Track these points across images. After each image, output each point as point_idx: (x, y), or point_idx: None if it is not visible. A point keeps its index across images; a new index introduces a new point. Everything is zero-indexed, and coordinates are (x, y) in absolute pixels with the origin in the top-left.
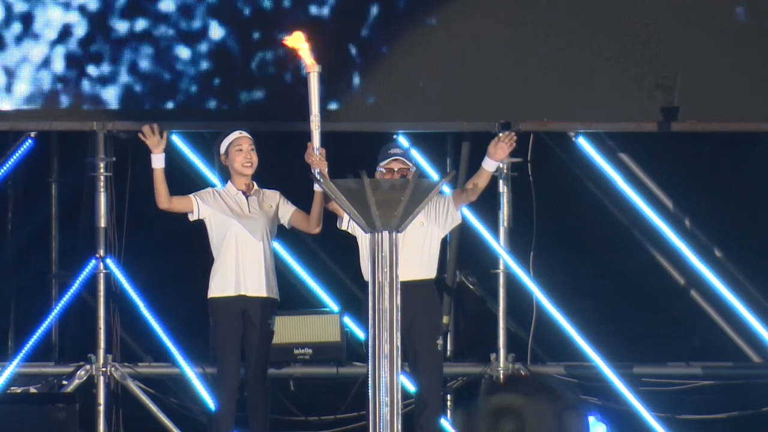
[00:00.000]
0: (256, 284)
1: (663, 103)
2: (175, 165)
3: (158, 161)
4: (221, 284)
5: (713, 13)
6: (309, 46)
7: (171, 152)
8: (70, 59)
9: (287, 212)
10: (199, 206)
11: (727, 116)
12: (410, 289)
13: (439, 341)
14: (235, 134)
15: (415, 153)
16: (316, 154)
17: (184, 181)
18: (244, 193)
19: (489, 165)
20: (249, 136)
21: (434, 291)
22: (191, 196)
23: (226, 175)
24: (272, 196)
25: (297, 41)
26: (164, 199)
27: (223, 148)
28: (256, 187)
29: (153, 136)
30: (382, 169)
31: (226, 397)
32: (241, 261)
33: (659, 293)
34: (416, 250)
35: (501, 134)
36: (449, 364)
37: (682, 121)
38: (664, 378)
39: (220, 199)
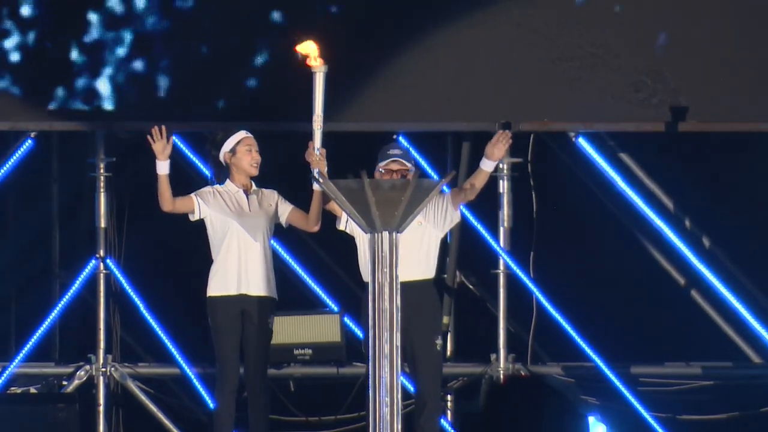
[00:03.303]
0: (258, 283)
1: (649, 103)
2: (174, 164)
3: (163, 168)
4: (222, 283)
5: (714, 13)
6: (317, 49)
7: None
8: (71, 59)
9: (285, 211)
10: (200, 206)
11: (729, 116)
12: (408, 289)
13: (438, 341)
14: (242, 133)
15: (415, 153)
16: (316, 153)
17: (182, 180)
18: (244, 191)
19: (487, 165)
20: (252, 136)
21: (433, 291)
22: (192, 195)
23: (222, 172)
24: (270, 195)
25: (307, 48)
26: (168, 203)
27: (229, 146)
28: (254, 186)
29: (160, 140)
30: (381, 170)
31: (226, 397)
32: (243, 260)
33: (659, 293)
34: (414, 251)
35: (499, 132)
36: (449, 365)
37: (684, 121)
38: (663, 378)
39: (219, 198)
